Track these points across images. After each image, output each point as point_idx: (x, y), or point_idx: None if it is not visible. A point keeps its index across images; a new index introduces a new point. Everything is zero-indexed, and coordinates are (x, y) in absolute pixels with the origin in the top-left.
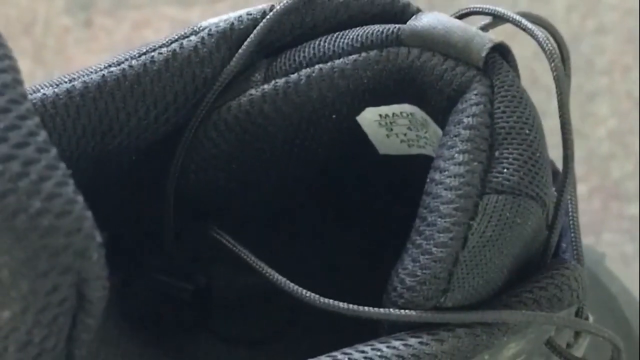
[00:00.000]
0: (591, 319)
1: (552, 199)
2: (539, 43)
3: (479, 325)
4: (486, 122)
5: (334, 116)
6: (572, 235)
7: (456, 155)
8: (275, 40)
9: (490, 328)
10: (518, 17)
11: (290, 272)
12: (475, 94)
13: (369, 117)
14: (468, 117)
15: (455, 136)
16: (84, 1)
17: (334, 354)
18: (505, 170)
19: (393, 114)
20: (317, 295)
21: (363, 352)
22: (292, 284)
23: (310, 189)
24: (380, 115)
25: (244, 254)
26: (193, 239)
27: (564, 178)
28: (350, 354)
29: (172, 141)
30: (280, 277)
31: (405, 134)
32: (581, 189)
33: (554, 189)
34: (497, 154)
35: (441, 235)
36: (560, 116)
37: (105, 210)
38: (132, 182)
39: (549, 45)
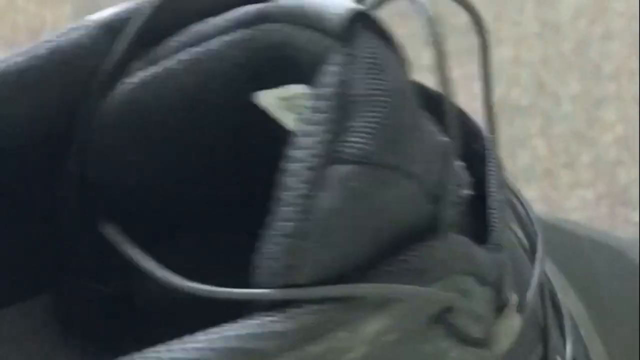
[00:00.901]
0: (514, 299)
1: (432, 171)
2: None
3: (328, 301)
4: (338, 92)
5: (222, 100)
6: (492, 213)
7: (306, 127)
8: (160, 29)
9: (341, 304)
10: None
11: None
12: (333, 64)
13: (269, 102)
14: (322, 87)
15: (309, 108)
16: (91, 7)
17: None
18: (357, 139)
19: (291, 95)
20: (183, 279)
21: (217, 333)
22: (162, 271)
23: (228, 181)
24: (280, 99)
25: (131, 251)
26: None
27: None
28: (207, 334)
29: (63, 138)
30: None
31: None
32: (588, 195)
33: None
34: (350, 123)
35: (286, 209)
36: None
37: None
38: (24, 187)
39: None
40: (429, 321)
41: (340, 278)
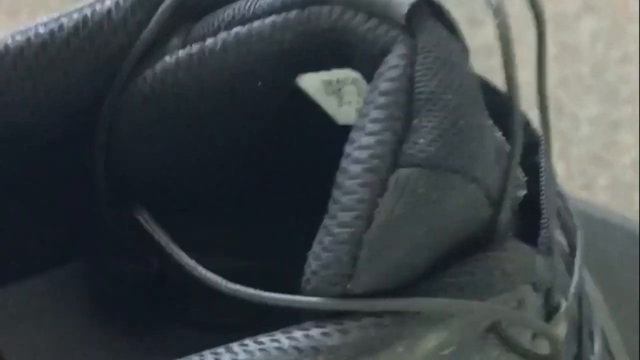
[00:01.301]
0: (564, 305)
1: (493, 174)
2: None
3: (387, 314)
4: (404, 87)
5: (259, 83)
6: (544, 220)
7: (368, 124)
8: (199, 3)
9: (401, 317)
10: None
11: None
12: (396, 56)
13: (313, 85)
14: (385, 81)
15: (370, 103)
16: None
17: (230, 345)
18: (421, 140)
19: (337, 80)
20: (225, 280)
21: (261, 343)
22: (202, 270)
23: (255, 166)
24: (324, 83)
25: (162, 238)
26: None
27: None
28: (247, 345)
29: (94, 115)
30: (192, 262)
31: (358, 102)
32: None
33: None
34: (414, 122)
35: (344, 213)
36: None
37: (37, 197)
38: (60, 161)
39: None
40: (482, 331)
41: (400, 289)
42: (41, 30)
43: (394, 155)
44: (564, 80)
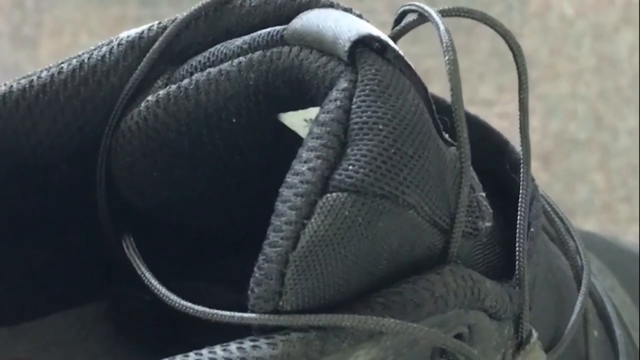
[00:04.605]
0: (535, 335)
1: (436, 202)
2: (439, 35)
3: (313, 330)
4: (340, 118)
5: (234, 120)
6: (518, 248)
7: (303, 153)
8: (187, 47)
9: (325, 333)
10: (432, 11)
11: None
12: (337, 90)
13: (297, 123)
14: (323, 113)
15: (309, 134)
16: None
17: (174, 357)
18: (350, 167)
19: (312, 118)
20: (177, 298)
21: (200, 354)
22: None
23: (248, 196)
24: (305, 120)
25: (135, 262)
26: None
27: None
28: (188, 356)
29: (94, 152)
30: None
31: None
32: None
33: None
34: (348, 151)
35: (274, 234)
36: (453, 111)
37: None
38: (68, 198)
39: (447, 38)
40: (433, 355)
41: (328, 307)
42: (43, 74)
43: (324, 181)
44: (603, 93)
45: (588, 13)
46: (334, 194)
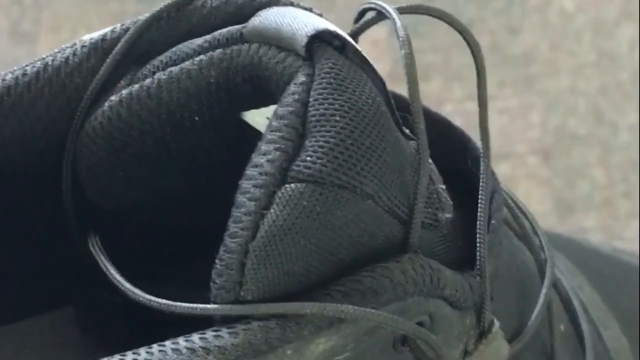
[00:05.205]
0: (497, 325)
1: (394, 192)
2: (395, 30)
3: (273, 318)
4: (297, 111)
5: (196, 118)
6: (478, 238)
7: (262, 146)
8: (150, 48)
9: (286, 321)
10: (390, 8)
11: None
12: (295, 84)
13: (259, 121)
14: (281, 107)
15: (268, 127)
16: None
17: (138, 349)
18: (308, 158)
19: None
20: (141, 292)
21: (163, 345)
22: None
23: (217, 195)
24: (268, 118)
25: (101, 260)
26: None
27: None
28: (151, 347)
29: (59, 153)
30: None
31: None
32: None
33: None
34: (306, 143)
35: (234, 225)
36: (410, 104)
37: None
38: (35, 199)
39: (403, 33)
40: (395, 343)
41: (289, 296)
42: (8, 77)
43: (283, 173)
44: (603, 88)
45: (588, 8)
46: (292, 185)
